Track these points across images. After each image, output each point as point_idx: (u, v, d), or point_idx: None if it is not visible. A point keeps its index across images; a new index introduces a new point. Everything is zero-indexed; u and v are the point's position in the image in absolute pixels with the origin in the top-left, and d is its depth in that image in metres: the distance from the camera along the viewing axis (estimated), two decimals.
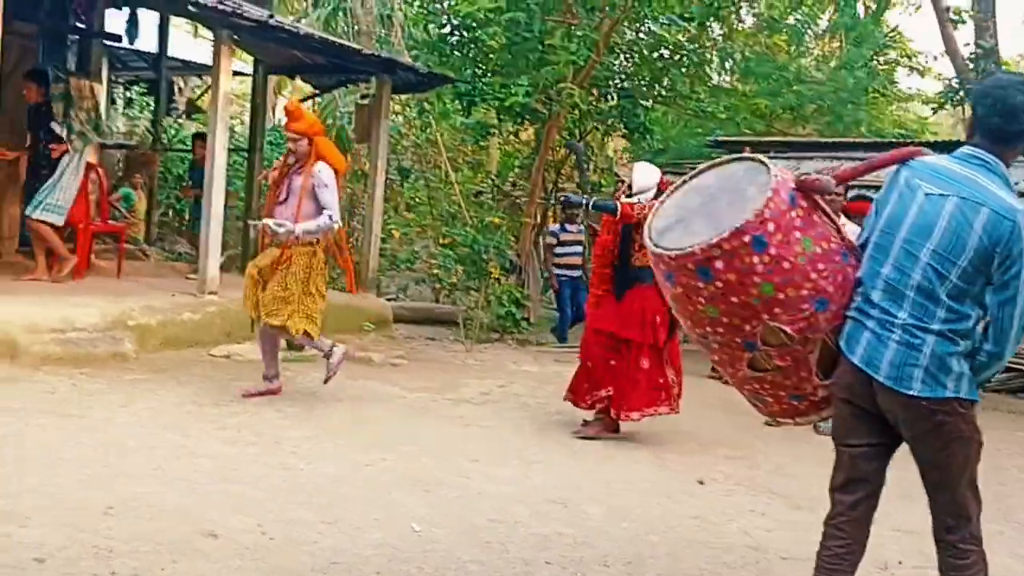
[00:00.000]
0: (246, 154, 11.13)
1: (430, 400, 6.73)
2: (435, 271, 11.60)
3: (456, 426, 6.04)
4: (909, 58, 19.00)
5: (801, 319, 2.82)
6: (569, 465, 5.35)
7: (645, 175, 6.01)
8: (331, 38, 10.99)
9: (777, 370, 2.93)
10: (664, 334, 5.96)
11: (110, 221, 9.62)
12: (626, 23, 10.49)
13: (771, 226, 2.74)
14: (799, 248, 2.77)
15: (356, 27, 17.64)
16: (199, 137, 9.92)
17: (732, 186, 2.94)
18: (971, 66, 15.47)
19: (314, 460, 4.90)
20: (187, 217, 10.05)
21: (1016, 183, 3.00)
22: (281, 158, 6.31)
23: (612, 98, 11.67)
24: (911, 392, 2.80)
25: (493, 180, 13.51)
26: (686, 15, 9.89)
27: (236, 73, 11.30)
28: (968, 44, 15.79)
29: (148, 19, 10.92)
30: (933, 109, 18.27)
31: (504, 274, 10.69)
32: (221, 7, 7.72)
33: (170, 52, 11.74)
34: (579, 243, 10.83)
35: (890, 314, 2.79)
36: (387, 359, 8.13)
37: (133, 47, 12.02)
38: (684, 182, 3.11)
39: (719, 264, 2.75)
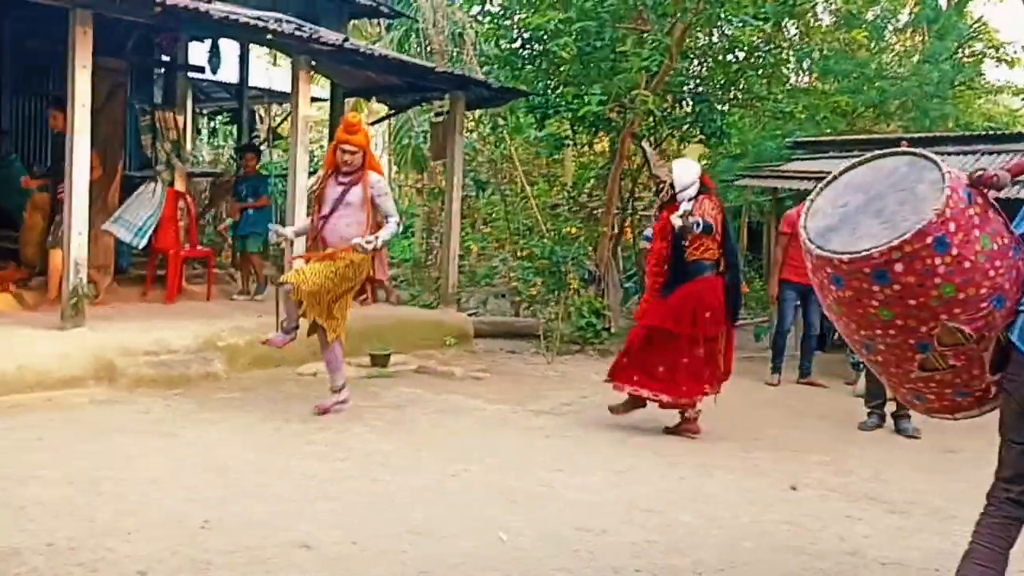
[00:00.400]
0: None
1: (511, 412, 6.73)
2: (514, 284, 11.63)
3: (538, 437, 6.02)
4: (996, 49, 18.34)
5: (979, 318, 2.74)
6: (658, 473, 5.28)
7: (686, 172, 6.00)
8: (404, 58, 11.17)
9: (949, 369, 2.84)
10: (716, 328, 5.98)
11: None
12: (698, 27, 10.39)
13: (952, 225, 2.66)
14: (978, 246, 2.70)
15: (428, 46, 17.91)
16: (248, 149, 10.07)
17: (898, 183, 2.84)
18: None
19: (401, 472, 4.94)
20: (233, 237, 9.95)
21: None
22: (322, 171, 6.30)
23: (687, 103, 11.55)
24: None
25: (569, 191, 13.48)
26: (760, 15, 9.71)
27: (314, 99, 11.56)
28: None
29: (229, 50, 11.27)
30: None
31: (583, 285, 10.63)
32: (298, 34, 7.92)
33: (251, 81, 12.07)
34: None
35: None
36: (469, 373, 8.17)
37: (215, 78, 12.41)
38: (834, 178, 3.01)
39: (899, 267, 2.66)
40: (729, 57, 11.20)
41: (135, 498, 4.24)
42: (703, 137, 11.83)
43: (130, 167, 9.83)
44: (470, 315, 11.12)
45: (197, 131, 15.17)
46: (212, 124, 16.59)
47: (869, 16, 16.25)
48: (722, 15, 9.65)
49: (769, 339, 11.41)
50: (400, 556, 3.72)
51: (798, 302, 8.84)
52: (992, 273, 2.71)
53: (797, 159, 12.55)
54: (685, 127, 11.63)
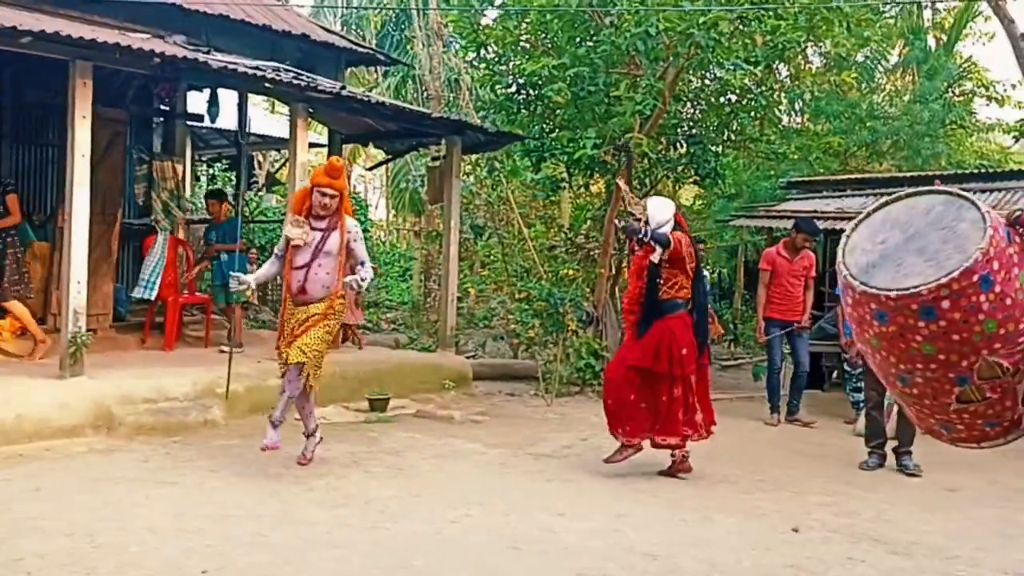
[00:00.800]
0: None
1: (512, 455, 6.71)
2: (512, 327, 11.64)
3: (539, 481, 6.00)
4: (986, 87, 18.58)
5: (1018, 351, 2.82)
6: (659, 517, 5.26)
7: (662, 210, 6.09)
8: (401, 104, 11.30)
9: (984, 401, 2.92)
10: (692, 367, 6.03)
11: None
12: (690, 70, 10.52)
13: (995, 264, 2.75)
14: (1018, 283, 2.80)
15: (425, 92, 18.11)
16: (212, 196, 10.02)
17: (937, 222, 2.92)
18: None
19: (401, 518, 4.92)
20: (213, 288, 9.53)
21: None
22: (289, 215, 6.05)
23: (681, 145, 11.64)
24: None
25: (566, 233, 13.55)
26: (751, 59, 9.84)
27: (312, 145, 11.66)
28: None
29: (227, 98, 11.38)
30: (1015, 138, 17.81)
31: (581, 326, 10.63)
32: (296, 82, 8.02)
33: (249, 128, 12.18)
34: None
35: None
36: (468, 416, 8.16)
37: (214, 126, 12.52)
38: (868, 215, 3.08)
39: (945, 304, 2.74)
40: (722, 100, 11.31)
41: (135, 548, 4.22)
42: (698, 178, 11.93)
43: (130, 215, 9.90)
44: (469, 358, 11.12)
45: (196, 178, 15.25)
46: (211, 171, 16.70)
47: (859, 58, 16.47)
48: (713, 59, 9.78)
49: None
50: None
51: (785, 339, 8.83)
52: None
53: (791, 199, 12.65)
54: (680, 168, 11.72)
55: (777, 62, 10.91)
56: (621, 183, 7.74)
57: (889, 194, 10.31)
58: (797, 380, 8.90)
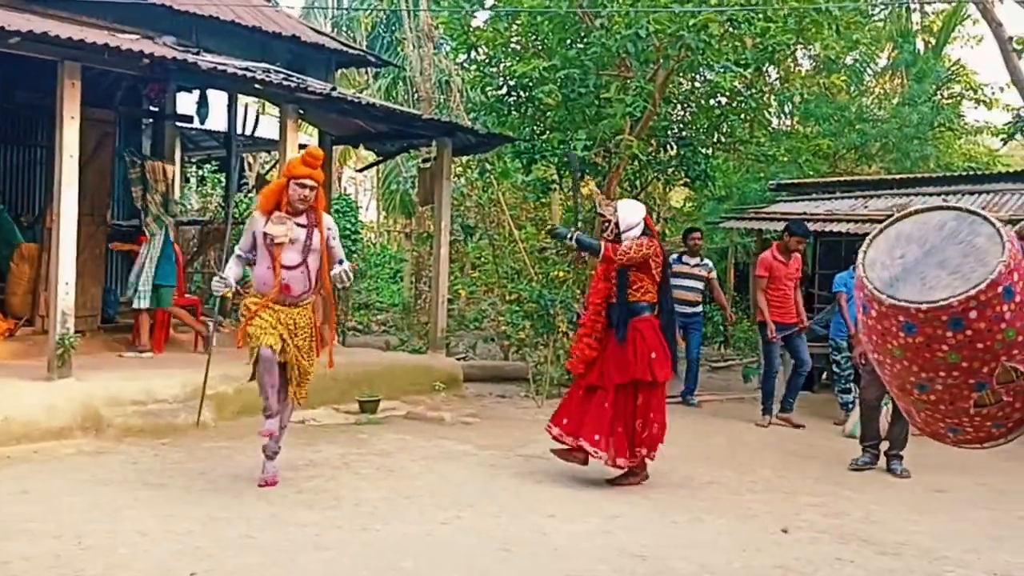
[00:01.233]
0: None
1: (502, 457, 6.70)
2: (503, 328, 11.64)
3: (529, 482, 6.00)
4: (974, 91, 18.68)
5: None
6: (650, 519, 5.26)
7: (631, 213, 6.02)
8: (392, 106, 11.29)
9: (997, 404, 3.06)
10: (664, 371, 5.91)
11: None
12: (680, 73, 10.55)
13: (1015, 275, 2.90)
14: None
15: (416, 94, 18.11)
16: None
17: (952, 237, 3.07)
18: None
19: (392, 521, 4.91)
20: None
21: None
22: (259, 211, 5.51)
23: (671, 147, 11.67)
24: None
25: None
26: (740, 61, 9.88)
27: (302, 146, 11.63)
28: None
29: (217, 100, 11.36)
30: (1003, 140, 17.86)
31: (572, 328, 10.63)
32: (286, 83, 8.01)
33: (239, 130, 12.15)
34: (694, 277, 9.87)
35: None
36: (458, 418, 8.15)
37: (204, 127, 12.48)
38: (880, 231, 3.20)
39: (973, 314, 2.87)
40: (712, 102, 11.35)
41: (124, 550, 4.20)
42: (688, 180, 11.96)
43: (118, 217, 9.86)
44: (459, 359, 11.11)
45: (186, 180, 15.20)
46: (200, 172, 16.65)
47: (848, 60, 16.55)
48: (703, 61, 9.81)
49: (758, 380, 11.45)
50: None
51: (782, 343, 8.86)
52: None
53: (781, 201, 12.69)
54: (670, 170, 11.75)
55: (767, 65, 10.95)
56: (596, 192, 7.73)
57: (878, 196, 10.34)
58: (796, 379, 8.93)
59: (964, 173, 13.08)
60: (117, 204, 9.84)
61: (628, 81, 10.00)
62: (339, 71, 12.25)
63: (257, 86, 7.94)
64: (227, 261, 5.83)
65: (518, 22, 10.95)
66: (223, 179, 15.37)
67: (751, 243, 14.36)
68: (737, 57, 9.84)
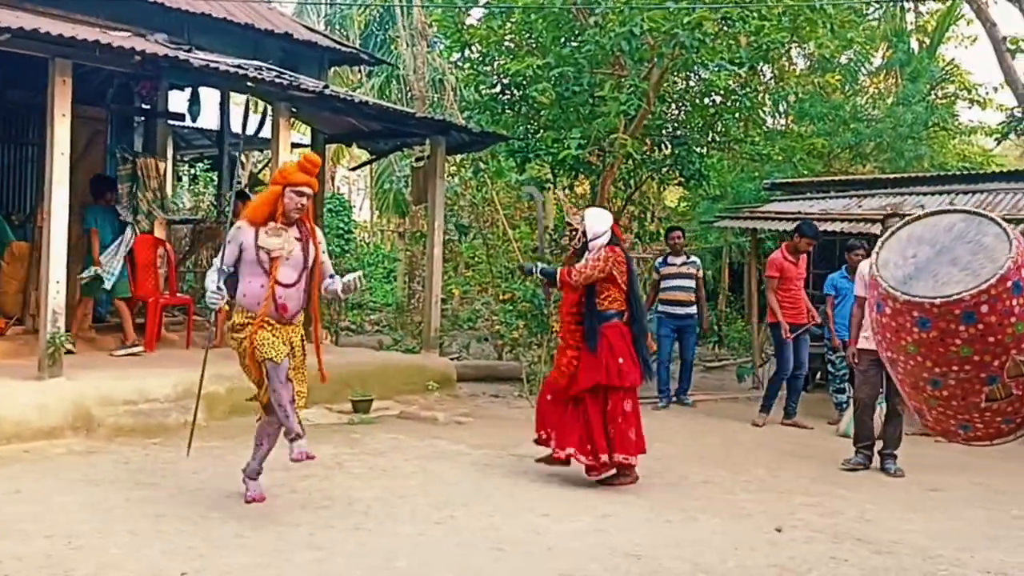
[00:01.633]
0: None
1: (496, 457, 6.68)
2: (497, 328, 11.61)
3: (523, 482, 5.97)
4: (968, 91, 18.73)
5: None
6: (644, 518, 5.24)
7: (598, 221, 6.03)
8: (385, 104, 11.25)
9: (1008, 398, 3.17)
10: (632, 377, 5.90)
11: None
12: (675, 71, 10.53)
13: (1023, 271, 3.05)
14: None
15: (409, 92, 18.09)
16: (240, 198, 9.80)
17: (961, 237, 3.24)
18: None
19: (385, 520, 4.89)
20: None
21: None
22: (246, 221, 4.96)
23: (666, 146, 11.65)
24: None
25: (550, 234, 13.54)
26: (735, 60, 9.86)
27: (295, 145, 11.60)
28: None
29: (209, 98, 11.32)
30: (997, 140, 17.92)
31: None
32: (278, 81, 7.97)
33: (231, 128, 12.10)
34: (685, 276, 9.66)
35: None
36: (452, 417, 8.12)
37: (196, 125, 12.43)
38: (891, 234, 3.36)
39: (984, 308, 3.01)
40: (706, 101, 11.33)
41: (115, 550, 4.17)
42: (683, 179, 11.94)
43: None
44: (453, 359, 11.09)
45: (178, 178, 15.15)
46: (193, 171, 16.59)
47: (842, 60, 16.55)
48: (698, 60, 9.80)
49: (753, 380, 11.44)
50: None
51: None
52: None
53: (775, 200, 12.69)
54: (664, 170, 11.74)
55: (761, 63, 10.94)
56: (534, 191, 7.75)
57: (872, 196, 10.36)
58: (796, 382, 8.91)
59: (958, 173, 13.09)
60: None
61: (622, 79, 9.97)
62: (332, 69, 12.19)
63: (249, 84, 7.90)
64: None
65: (512, 20, 10.92)
66: (215, 178, 15.31)
67: (746, 243, 14.35)
68: (731, 56, 9.83)
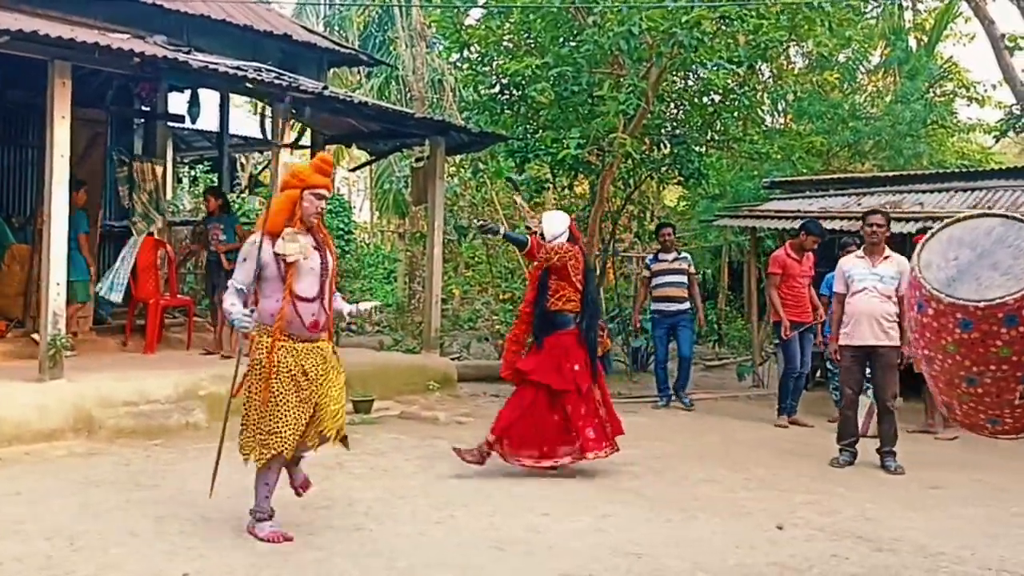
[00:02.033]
0: None
1: (496, 456, 6.66)
2: (497, 328, 11.62)
3: (523, 482, 5.97)
4: (967, 88, 18.73)
5: None
6: (644, 517, 5.24)
7: (555, 223, 6.22)
8: (384, 105, 11.26)
9: None
10: (586, 380, 6.04)
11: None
12: (673, 70, 10.53)
13: None
14: None
15: (408, 93, 18.09)
16: (210, 191, 9.74)
17: (1002, 241, 3.35)
18: None
19: (385, 520, 4.89)
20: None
21: None
22: (263, 230, 4.49)
23: (665, 146, 11.66)
24: None
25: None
26: (733, 59, 9.87)
27: (295, 145, 11.60)
28: None
29: (209, 99, 11.32)
30: (996, 138, 17.93)
31: None
32: (278, 82, 7.97)
33: (231, 130, 12.11)
34: (676, 272, 9.52)
35: None
36: (452, 417, 8.13)
37: (196, 127, 12.44)
38: (932, 235, 3.47)
39: None
40: (705, 100, 11.34)
41: (115, 551, 4.17)
42: (682, 178, 11.95)
43: (109, 217, 9.82)
44: (453, 359, 11.09)
45: (178, 180, 15.15)
46: (193, 173, 16.60)
47: (841, 58, 16.55)
48: (696, 59, 9.80)
49: (753, 378, 11.45)
50: None
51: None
52: None
53: (774, 199, 12.69)
54: (664, 169, 11.75)
55: (760, 62, 10.95)
56: (522, 205, 7.84)
57: (871, 194, 10.39)
58: (799, 381, 8.91)
59: (957, 170, 13.10)
60: (108, 204, 9.79)
61: (621, 79, 9.98)
62: (331, 70, 12.21)
63: (249, 85, 7.91)
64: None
65: (511, 20, 10.93)
66: (215, 179, 15.32)
67: (745, 241, 14.36)
68: (730, 54, 9.83)
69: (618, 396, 10.01)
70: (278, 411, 4.37)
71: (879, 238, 6.95)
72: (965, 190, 10.97)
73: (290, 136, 8.63)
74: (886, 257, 6.96)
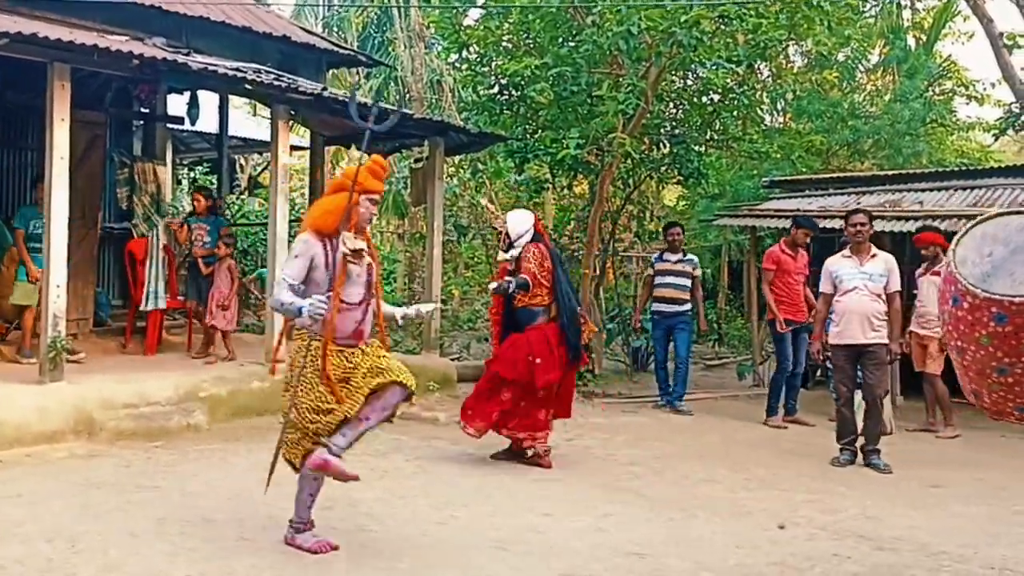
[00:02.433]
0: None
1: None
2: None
3: (525, 481, 5.98)
4: (966, 87, 18.73)
5: None
6: (645, 517, 5.24)
7: (520, 223, 6.36)
8: (384, 106, 11.24)
9: None
10: (551, 376, 6.20)
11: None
12: (673, 70, 10.52)
13: None
14: None
15: (407, 94, 18.08)
16: (199, 190, 9.73)
17: None
18: None
19: (387, 521, 4.89)
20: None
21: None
22: (316, 233, 4.30)
23: (664, 145, 11.65)
24: None
25: (550, 234, 13.54)
26: (733, 58, 9.85)
27: (294, 147, 11.59)
28: None
29: (208, 101, 11.30)
30: (995, 136, 17.93)
31: None
32: (277, 83, 7.97)
33: (230, 131, 12.10)
34: (679, 274, 9.35)
35: None
36: (452, 418, 8.09)
37: (195, 129, 12.42)
38: (966, 232, 3.60)
39: None
40: (704, 99, 11.33)
41: (116, 553, 4.17)
42: (681, 178, 11.95)
43: (109, 219, 9.81)
44: (453, 360, 11.08)
45: (177, 182, 15.14)
46: (192, 175, 16.59)
47: (840, 57, 16.55)
48: (695, 58, 9.79)
49: (754, 377, 11.45)
50: None
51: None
52: None
53: (774, 198, 12.69)
54: (663, 168, 11.74)
55: (759, 61, 10.93)
56: (488, 207, 7.99)
57: (871, 192, 10.43)
58: (795, 379, 8.89)
59: (957, 169, 13.10)
60: (108, 206, 9.79)
61: (620, 79, 9.97)
62: (330, 71, 12.20)
63: (248, 86, 7.90)
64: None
65: (509, 20, 10.92)
66: (215, 181, 15.33)
67: (745, 241, 14.36)
68: (729, 54, 9.82)
69: (618, 396, 10.04)
70: (326, 418, 4.26)
71: (863, 237, 6.99)
72: (964, 188, 10.96)
73: (287, 137, 8.61)
74: (872, 255, 6.99)
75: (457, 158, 13.07)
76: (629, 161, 11.07)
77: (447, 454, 6.70)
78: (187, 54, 8.20)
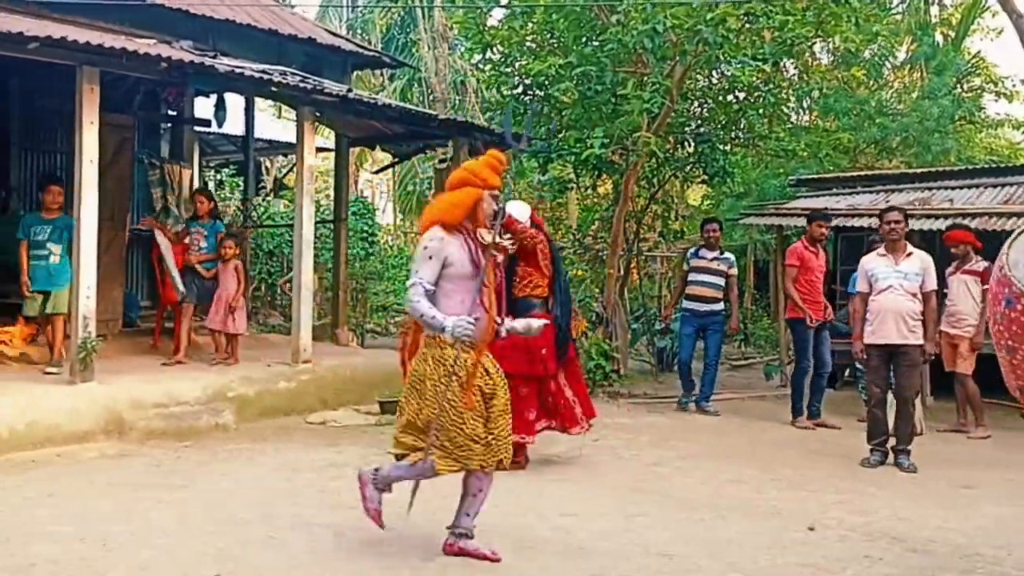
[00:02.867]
0: (331, 225, 11.35)
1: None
2: None
3: (550, 481, 5.96)
4: (995, 83, 18.52)
5: None
6: (672, 517, 5.21)
7: (517, 212, 6.28)
8: (407, 106, 11.28)
9: None
10: (552, 364, 6.20)
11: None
12: (698, 68, 10.47)
13: None
14: None
15: (431, 95, 18.13)
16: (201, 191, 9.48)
17: None
18: None
19: (415, 520, 4.88)
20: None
21: None
22: (444, 231, 4.12)
23: (689, 144, 11.60)
24: None
25: (574, 234, 13.52)
26: (758, 56, 9.78)
27: (319, 149, 11.64)
28: None
29: (235, 103, 11.38)
30: None
31: (591, 327, 10.59)
32: (303, 85, 8.01)
33: (256, 134, 12.18)
34: (714, 272, 9.14)
35: None
36: None
37: (222, 131, 12.52)
38: (1018, 235, 3.78)
39: None
40: (729, 97, 11.26)
41: (147, 553, 4.20)
42: (706, 177, 11.89)
43: (137, 221, 9.90)
44: None
45: (204, 184, 15.26)
46: (219, 176, 16.72)
47: (867, 54, 16.43)
48: (721, 56, 9.74)
49: (781, 377, 11.35)
50: None
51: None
52: None
53: (801, 196, 12.60)
54: (688, 167, 11.68)
55: (785, 59, 10.85)
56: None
57: (899, 190, 10.34)
58: (819, 380, 8.74)
59: (986, 166, 12.94)
60: (137, 208, 9.88)
61: (645, 77, 9.93)
62: (354, 73, 12.25)
63: (274, 88, 7.96)
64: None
65: (533, 20, 10.90)
66: (241, 183, 15.43)
67: (771, 240, 14.27)
68: (755, 51, 9.75)
69: (643, 396, 10.00)
70: (468, 426, 4.10)
71: (899, 235, 6.90)
72: (994, 186, 10.83)
73: (313, 139, 8.65)
74: (908, 254, 6.90)
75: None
76: (654, 160, 11.02)
77: None
78: (214, 57, 8.26)
